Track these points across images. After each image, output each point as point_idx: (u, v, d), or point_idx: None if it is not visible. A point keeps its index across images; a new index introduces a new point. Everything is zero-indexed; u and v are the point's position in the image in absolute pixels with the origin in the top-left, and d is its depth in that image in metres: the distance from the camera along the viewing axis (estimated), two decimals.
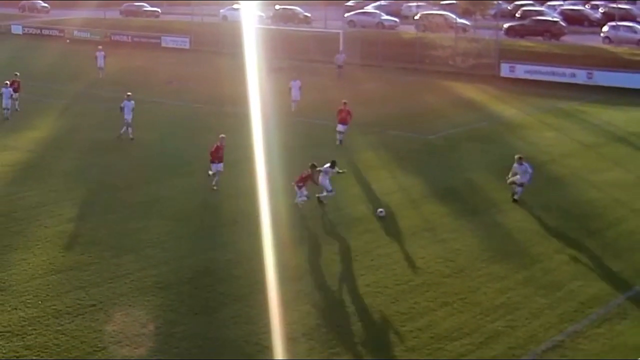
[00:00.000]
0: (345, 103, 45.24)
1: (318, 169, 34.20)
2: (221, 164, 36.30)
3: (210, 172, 36.38)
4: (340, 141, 44.72)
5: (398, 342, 22.77)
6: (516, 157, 34.96)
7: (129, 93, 46.56)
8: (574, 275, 27.47)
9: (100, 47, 67.79)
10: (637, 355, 20.06)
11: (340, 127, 44.88)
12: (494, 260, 28.73)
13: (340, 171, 34.86)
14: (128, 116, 45.48)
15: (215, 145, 36.20)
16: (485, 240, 30.68)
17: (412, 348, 22.39)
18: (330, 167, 34.34)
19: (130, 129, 45.55)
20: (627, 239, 31.27)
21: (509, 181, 34.91)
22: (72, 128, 49.61)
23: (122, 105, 45.56)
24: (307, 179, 33.81)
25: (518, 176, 34.59)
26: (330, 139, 45.71)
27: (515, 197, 34.61)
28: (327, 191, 34.18)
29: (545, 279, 27.14)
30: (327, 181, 34.18)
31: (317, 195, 34.14)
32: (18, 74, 54.08)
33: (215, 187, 36.15)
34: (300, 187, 33.62)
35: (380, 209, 33.03)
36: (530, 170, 34.48)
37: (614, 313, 24.69)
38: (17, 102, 52.68)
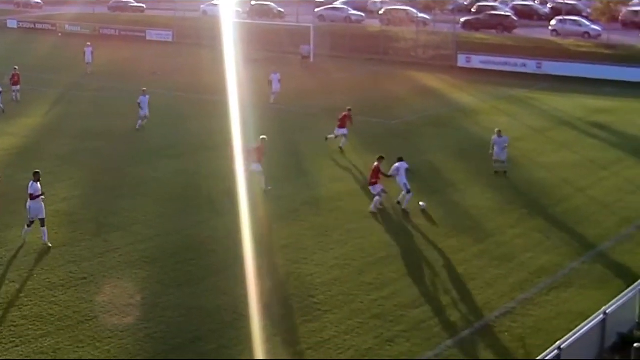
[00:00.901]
0: (349, 110, 41.48)
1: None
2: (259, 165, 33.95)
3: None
4: (341, 148, 40.31)
5: (364, 309, 22.80)
6: (496, 130, 36.46)
7: (144, 88, 45.28)
8: (525, 248, 27.62)
9: (88, 43, 66.53)
10: (582, 320, 20.17)
11: (338, 131, 40.50)
12: (452, 235, 28.84)
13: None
14: (145, 110, 44.39)
15: (256, 146, 34.33)
16: (443, 217, 30.76)
17: (377, 315, 22.44)
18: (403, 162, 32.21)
19: (141, 122, 44.62)
20: (573, 214, 31.45)
21: (494, 158, 36.02)
22: (64, 115, 49.22)
23: (138, 101, 44.49)
24: (377, 173, 31.62)
25: (496, 149, 35.85)
26: (301, 124, 45.69)
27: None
28: (406, 191, 31.74)
29: (498, 252, 27.28)
30: (404, 179, 31.96)
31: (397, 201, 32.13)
32: (17, 67, 53.21)
33: (269, 188, 33.78)
34: (374, 184, 31.51)
35: (422, 203, 31.48)
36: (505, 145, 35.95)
37: (561, 282, 24.86)
38: (16, 94, 51.78)
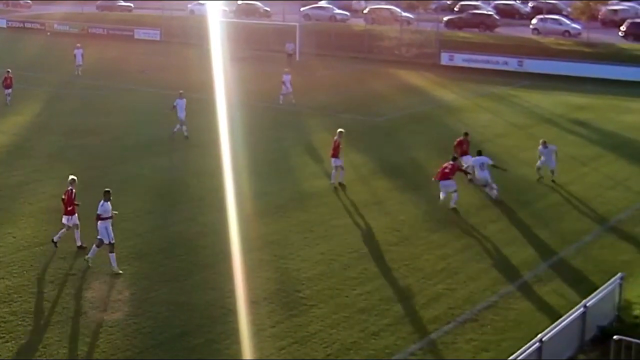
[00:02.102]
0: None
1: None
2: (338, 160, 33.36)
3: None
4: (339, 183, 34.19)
5: (350, 304, 22.79)
6: (541, 141, 35.13)
7: (181, 91, 42.85)
8: (507, 243, 27.68)
9: (78, 44, 65.44)
10: (563, 313, 20.24)
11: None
12: (436, 230, 28.87)
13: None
14: (182, 114, 41.43)
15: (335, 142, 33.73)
16: (427, 212, 30.79)
17: (362, 309, 22.44)
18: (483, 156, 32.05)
19: (184, 127, 41.57)
20: (554, 210, 31.54)
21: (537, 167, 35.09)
22: (53, 113, 49.01)
23: (174, 103, 41.88)
24: (452, 171, 31.12)
25: (543, 159, 34.68)
26: (287, 121, 45.70)
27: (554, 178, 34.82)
28: (494, 188, 31.97)
29: (480, 246, 27.34)
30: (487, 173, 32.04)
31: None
32: (10, 70, 52.02)
33: (333, 182, 33.65)
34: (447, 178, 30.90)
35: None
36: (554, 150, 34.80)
37: (542, 276, 24.92)
38: (9, 97, 50.45)
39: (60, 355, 19.95)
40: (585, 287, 23.40)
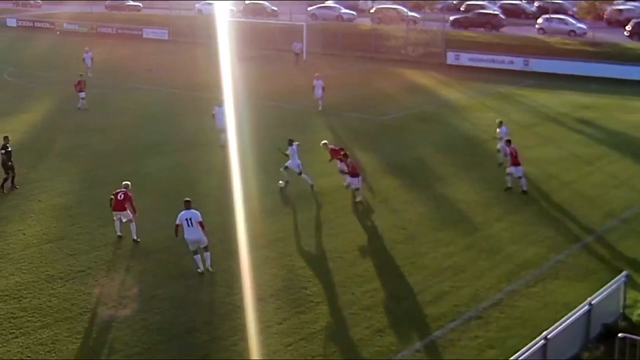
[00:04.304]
0: (325, 144, 34.59)
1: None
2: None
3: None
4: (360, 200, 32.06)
5: (356, 301, 22.83)
6: (497, 121, 36.43)
7: (220, 100, 42.49)
8: (512, 241, 27.67)
9: (87, 47, 64.70)
10: (568, 311, 20.22)
11: (350, 181, 32.02)
12: (441, 228, 28.87)
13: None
14: (220, 123, 39.99)
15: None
16: (433, 210, 30.80)
17: (368, 307, 22.48)
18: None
19: (224, 136, 39.82)
20: (558, 208, 31.49)
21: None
22: (62, 112, 49.14)
23: (213, 112, 40.81)
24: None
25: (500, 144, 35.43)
26: (293, 120, 45.77)
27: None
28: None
29: (486, 244, 27.32)
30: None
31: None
32: (82, 74, 51.57)
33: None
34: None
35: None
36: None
37: (547, 274, 24.90)
38: (82, 101, 49.40)
39: (70, 351, 20.04)
40: (590, 285, 23.39)
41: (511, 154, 32.92)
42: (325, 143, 34.54)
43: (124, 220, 27.06)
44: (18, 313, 21.86)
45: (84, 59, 62.91)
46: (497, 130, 36.63)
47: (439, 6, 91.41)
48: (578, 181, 34.99)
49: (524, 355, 17.27)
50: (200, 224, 24.36)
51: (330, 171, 35.43)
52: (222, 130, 40.10)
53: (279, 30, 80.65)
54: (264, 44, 77.75)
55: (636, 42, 73.05)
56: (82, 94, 49.57)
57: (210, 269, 24.66)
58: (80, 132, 42.94)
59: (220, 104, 41.54)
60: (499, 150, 35.83)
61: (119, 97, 52.83)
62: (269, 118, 46.81)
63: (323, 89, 49.86)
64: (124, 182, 27.62)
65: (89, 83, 51.72)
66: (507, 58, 68.28)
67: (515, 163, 32.84)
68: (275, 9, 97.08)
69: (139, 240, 26.92)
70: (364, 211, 30.64)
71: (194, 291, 23.37)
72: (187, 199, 25.05)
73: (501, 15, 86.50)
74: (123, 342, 20.44)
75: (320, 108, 49.67)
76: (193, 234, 24.36)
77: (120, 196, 26.94)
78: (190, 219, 24.32)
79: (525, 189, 32.78)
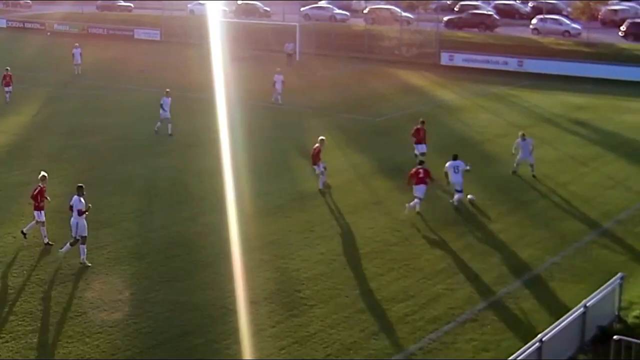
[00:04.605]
0: (322, 140, 34.24)
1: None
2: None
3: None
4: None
5: (350, 304, 22.80)
6: (520, 133, 35.68)
7: (167, 89, 43.19)
8: (507, 243, 27.68)
9: (76, 44, 65.12)
10: (563, 313, 20.22)
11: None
12: (436, 230, 28.86)
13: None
14: (166, 113, 41.90)
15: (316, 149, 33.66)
16: (427, 212, 30.76)
17: (363, 309, 22.45)
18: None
19: (160, 124, 42.19)
20: (554, 209, 31.53)
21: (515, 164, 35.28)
22: (53, 113, 49.03)
23: (161, 101, 42.37)
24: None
25: (521, 153, 35.03)
26: (286, 121, 45.72)
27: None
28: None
29: (480, 246, 27.33)
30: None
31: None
32: (9, 68, 51.93)
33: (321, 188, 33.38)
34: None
35: (471, 195, 31.72)
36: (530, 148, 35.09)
37: (542, 276, 24.93)
38: (9, 95, 50.49)
39: (61, 355, 19.96)
40: (586, 287, 23.38)
41: None
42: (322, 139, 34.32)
43: (40, 221, 26.91)
44: (8, 317, 21.75)
45: (73, 55, 63.04)
46: (518, 141, 35.76)
47: (433, 6, 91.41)
48: (573, 182, 35.04)
49: (519, 358, 17.25)
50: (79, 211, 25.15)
51: (327, 173, 35.40)
52: (169, 120, 42.22)
53: (271, 30, 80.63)
54: (256, 44, 77.68)
55: (631, 42, 73.26)
56: (9, 89, 50.78)
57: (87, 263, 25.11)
58: (71, 134, 42.81)
59: (167, 94, 42.80)
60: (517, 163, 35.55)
61: (111, 98, 52.65)
62: (261, 119, 46.76)
63: (283, 83, 51.56)
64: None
65: (77, 83, 51.61)
66: (501, 59, 68.40)
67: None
68: (268, 9, 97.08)
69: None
70: (358, 213, 30.59)
71: (186, 294, 23.31)
72: (81, 184, 26.03)
73: (495, 16, 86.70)
74: (115, 346, 20.36)
75: (277, 100, 51.18)
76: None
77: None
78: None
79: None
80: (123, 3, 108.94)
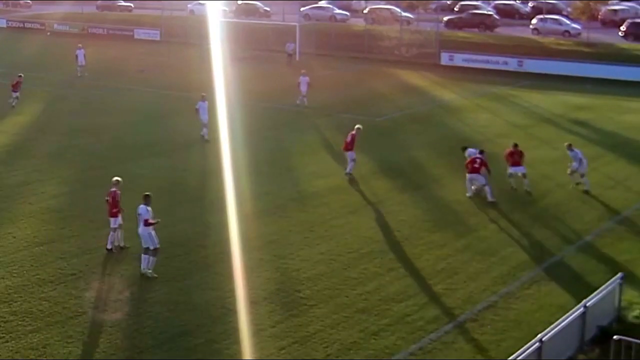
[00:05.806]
0: (358, 129, 36.25)
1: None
2: None
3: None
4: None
5: (350, 304, 22.80)
6: (565, 144, 34.42)
7: (203, 94, 42.16)
8: (507, 243, 27.68)
9: (80, 44, 64.61)
10: (563, 314, 20.22)
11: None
12: (435, 230, 28.87)
13: None
14: (204, 117, 41.15)
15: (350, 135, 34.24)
16: (427, 212, 30.79)
17: (362, 309, 22.45)
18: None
19: (205, 130, 41.33)
20: (554, 209, 31.53)
21: (569, 172, 33.93)
22: (53, 113, 49.02)
23: (197, 106, 41.42)
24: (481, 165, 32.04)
25: (574, 164, 33.54)
26: (286, 121, 45.69)
27: (586, 188, 33.52)
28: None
29: (480, 246, 27.33)
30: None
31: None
32: (22, 75, 51.30)
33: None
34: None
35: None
36: (580, 156, 33.51)
37: (542, 276, 24.92)
38: (14, 100, 49.79)
39: (61, 355, 19.95)
40: (585, 287, 23.36)
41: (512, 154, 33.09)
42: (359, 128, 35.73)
43: (116, 227, 26.39)
44: (8, 317, 21.74)
45: (76, 56, 62.71)
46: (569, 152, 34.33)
47: (433, 6, 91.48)
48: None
49: (519, 358, 17.25)
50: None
51: (325, 172, 35.52)
52: (205, 125, 41.02)
53: (271, 30, 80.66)
54: (256, 44, 77.71)
55: (631, 42, 73.29)
56: (16, 93, 49.94)
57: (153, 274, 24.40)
58: (71, 133, 42.81)
59: (203, 98, 41.69)
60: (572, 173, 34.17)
61: (111, 98, 52.65)
62: (261, 119, 46.77)
63: (308, 84, 50.96)
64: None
65: (81, 83, 51.58)
66: (501, 59, 68.41)
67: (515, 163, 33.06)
68: (268, 9, 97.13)
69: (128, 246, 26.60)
70: (358, 213, 30.60)
71: (186, 294, 23.30)
72: (148, 193, 25.09)
73: (495, 16, 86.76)
74: (115, 346, 20.37)
75: (303, 102, 50.72)
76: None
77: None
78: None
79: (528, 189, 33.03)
80: (123, 3, 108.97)
